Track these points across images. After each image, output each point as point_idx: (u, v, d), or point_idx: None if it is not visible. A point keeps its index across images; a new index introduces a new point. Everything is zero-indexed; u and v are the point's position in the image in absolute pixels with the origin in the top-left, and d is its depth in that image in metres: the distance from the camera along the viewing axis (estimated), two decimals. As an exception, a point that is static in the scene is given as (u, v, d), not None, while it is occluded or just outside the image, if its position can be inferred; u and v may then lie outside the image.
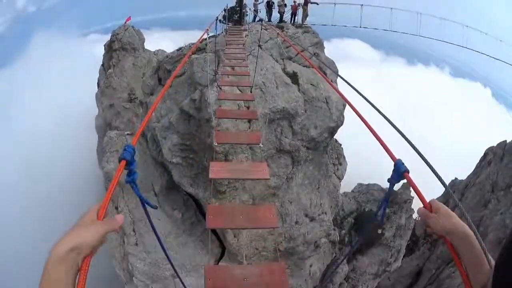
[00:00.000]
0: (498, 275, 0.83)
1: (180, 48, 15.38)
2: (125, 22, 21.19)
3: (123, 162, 1.60)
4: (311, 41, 13.68)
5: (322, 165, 12.97)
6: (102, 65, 21.72)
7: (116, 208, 13.02)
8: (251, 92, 8.62)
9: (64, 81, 35.12)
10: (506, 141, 22.43)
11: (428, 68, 78.57)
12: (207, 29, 8.55)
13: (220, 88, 9.31)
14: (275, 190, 11.60)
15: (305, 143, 11.36)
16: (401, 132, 2.15)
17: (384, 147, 1.98)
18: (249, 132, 9.37)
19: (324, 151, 12.75)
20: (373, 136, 2.15)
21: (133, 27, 20.61)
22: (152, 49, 21.77)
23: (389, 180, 1.77)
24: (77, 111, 27.34)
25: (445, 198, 17.83)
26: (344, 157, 15.76)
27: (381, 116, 2.45)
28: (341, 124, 12.24)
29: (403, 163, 1.69)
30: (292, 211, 12.55)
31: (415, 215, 21.48)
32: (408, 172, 1.66)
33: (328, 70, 12.38)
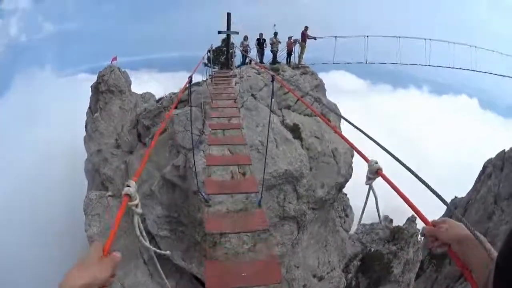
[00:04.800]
0: (499, 270, 0.73)
1: (159, 100, 13.42)
2: (111, 62, 19.43)
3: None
4: (311, 83, 11.57)
5: (328, 222, 10.89)
6: (89, 107, 19.84)
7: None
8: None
9: (53, 120, 32.77)
10: (504, 150, 21.44)
11: (408, 90, 76.18)
12: (190, 77, 6.17)
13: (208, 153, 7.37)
14: (280, 258, 9.52)
15: (311, 205, 9.29)
16: (407, 166, 1.83)
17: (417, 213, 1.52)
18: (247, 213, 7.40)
19: (331, 206, 10.68)
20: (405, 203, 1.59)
21: (119, 68, 18.65)
22: (140, 92, 19.77)
23: None
24: (68, 153, 25.08)
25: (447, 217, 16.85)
26: (351, 207, 13.62)
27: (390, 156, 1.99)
28: (350, 177, 10.22)
29: None
30: (299, 276, 10.71)
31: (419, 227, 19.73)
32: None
33: (331, 115, 10.43)
